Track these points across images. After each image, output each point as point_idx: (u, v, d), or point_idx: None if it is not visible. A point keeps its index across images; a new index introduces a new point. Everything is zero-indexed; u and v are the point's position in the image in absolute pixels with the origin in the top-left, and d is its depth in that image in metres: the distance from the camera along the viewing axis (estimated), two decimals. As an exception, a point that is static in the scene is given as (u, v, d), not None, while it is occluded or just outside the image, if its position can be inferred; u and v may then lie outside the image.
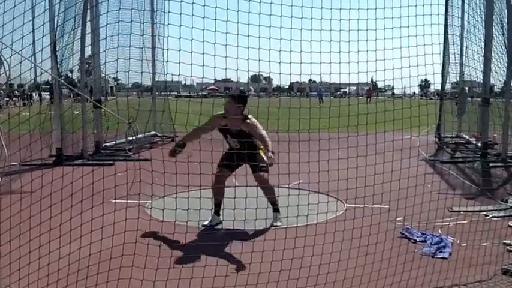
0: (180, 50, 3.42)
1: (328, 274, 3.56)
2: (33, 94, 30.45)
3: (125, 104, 5.01)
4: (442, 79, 12.01)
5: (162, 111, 12.21)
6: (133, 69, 6.04)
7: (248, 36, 3.77)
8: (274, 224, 5.17)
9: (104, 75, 11.26)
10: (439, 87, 12.41)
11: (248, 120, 5.11)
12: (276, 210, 5.26)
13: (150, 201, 5.26)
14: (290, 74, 4.02)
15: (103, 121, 10.15)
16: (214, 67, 3.66)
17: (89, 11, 9.12)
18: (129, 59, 4.89)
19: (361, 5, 4.08)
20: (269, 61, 3.88)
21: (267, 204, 5.12)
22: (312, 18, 3.89)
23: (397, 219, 4.78)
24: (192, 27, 3.55)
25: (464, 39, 11.50)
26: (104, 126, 10.24)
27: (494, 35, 9.41)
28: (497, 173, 8.43)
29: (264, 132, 5.02)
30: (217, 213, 5.30)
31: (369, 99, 26.40)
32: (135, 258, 3.46)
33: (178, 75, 3.61)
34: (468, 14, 11.06)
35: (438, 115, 11.47)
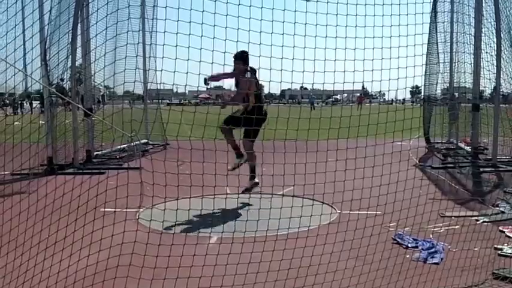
0: (176, 59, 3.43)
1: (322, 282, 3.57)
2: (24, 103, 30.29)
3: (118, 112, 5.01)
4: (427, 87, 12.13)
5: (154, 121, 12.17)
6: (125, 79, 6.02)
7: (237, 41, 3.78)
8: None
9: (95, 83, 11.22)
10: (428, 92, 12.54)
11: (246, 75, 6.53)
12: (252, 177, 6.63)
13: (144, 211, 5.24)
14: (281, 82, 4.04)
15: (99, 130, 10.10)
16: (199, 74, 3.66)
17: (80, 17, 9.10)
18: (125, 70, 4.86)
19: (349, 11, 4.13)
20: (259, 68, 3.91)
21: (258, 216, 5.16)
22: (305, 24, 3.92)
23: (390, 225, 4.80)
24: (177, 33, 3.52)
25: (454, 45, 11.63)
26: (99, 136, 10.18)
27: (483, 41, 9.54)
28: (488, 178, 8.50)
29: (247, 89, 6.37)
30: (239, 155, 6.60)
31: (360, 106, 26.51)
32: (130, 269, 3.44)
33: (173, 84, 3.61)
34: (457, 20, 11.20)
35: (423, 120, 11.60)
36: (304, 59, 4.00)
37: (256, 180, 6.68)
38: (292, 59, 3.97)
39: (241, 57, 6.43)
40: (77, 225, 3.51)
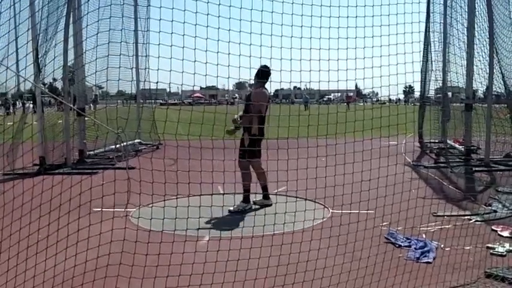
0: (171, 58, 3.41)
1: (312, 279, 3.56)
2: (17, 102, 30.12)
3: (111, 112, 4.98)
4: (423, 84, 12.18)
5: (149, 120, 12.15)
6: (117, 78, 5.97)
7: (229, 42, 3.77)
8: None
9: (88, 84, 11.17)
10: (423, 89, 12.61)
11: (260, 89, 6.07)
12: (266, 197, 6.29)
13: (136, 210, 5.21)
14: (280, 82, 4.05)
15: (92, 130, 10.07)
16: (197, 73, 3.65)
17: (72, 14, 9.05)
18: (119, 67, 4.83)
19: (341, 14, 4.13)
20: (249, 68, 3.90)
21: (254, 212, 5.17)
22: (301, 26, 3.93)
23: (382, 224, 4.81)
24: (172, 33, 3.52)
25: (447, 44, 11.67)
26: (93, 136, 10.15)
27: (476, 40, 9.60)
28: (481, 177, 8.54)
29: (259, 108, 5.93)
30: (246, 200, 6.08)
31: (348, 106, 26.78)
32: (120, 268, 3.42)
33: (169, 83, 3.60)
34: (451, 18, 11.24)
35: (418, 120, 11.66)
36: (300, 59, 4.01)
37: (271, 202, 6.26)
38: (290, 60, 3.98)
39: (267, 74, 6.00)
40: (64, 223, 3.47)
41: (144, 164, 3.81)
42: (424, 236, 4.83)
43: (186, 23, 3.60)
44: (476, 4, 9.45)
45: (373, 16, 4.23)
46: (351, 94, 37.50)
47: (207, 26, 3.70)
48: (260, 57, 3.87)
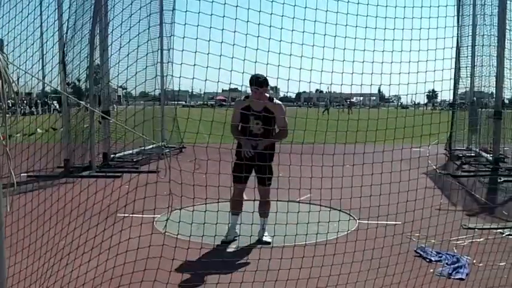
0: (194, 65, 3.37)
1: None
2: (41, 103, 30.61)
3: (131, 113, 4.98)
4: (454, 89, 11.88)
5: (172, 128, 12.11)
6: (142, 80, 5.91)
7: (244, 47, 3.70)
8: (264, 239, 5.04)
9: (112, 84, 11.21)
10: (447, 97, 12.34)
11: (275, 100, 5.04)
12: (265, 215, 5.12)
13: (163, 216, 5.16)
14: (300, 81, 3.93)
15: (117, 133, 10.08)
16: (221, 81, 3.60)
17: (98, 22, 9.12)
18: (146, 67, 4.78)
19: (370, 12, 4.02)
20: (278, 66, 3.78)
21: (275, 219, 5.07)
22: (325, 35, 3.85)
23: (412, 236, 4.67)
24: (197, 38, 3.48)
25: (476, 48, 11.38)
26: (121, 138, 10.15)
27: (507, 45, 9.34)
28: (509, 187, 8.28)
29: (286, 120, 5.00)
30: (233, 227, 5.13)
31: (350, 111, 26.80)
32: (145, 274, 3.38)
33: (192, 88, 3.56)
34: (480, 23, 10.99)
35: (450, 126, 11.37)
36: (323, 59, 3.91)
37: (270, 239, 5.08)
38: (312, 58, 3.89)
39: (267, 81, 4.87)
40: (91, 230, 3.46)
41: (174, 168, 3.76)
42: (455, 250, 4.67)
43: (213, 28, 3.54)
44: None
45: (403, 18, 4.11)
46: (353, 99, 36.83)
47: (235, 32, 3.65)
48: (277, 65, 3.74)
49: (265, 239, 5.06)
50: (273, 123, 4.96)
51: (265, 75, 4.82)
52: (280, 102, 5.05)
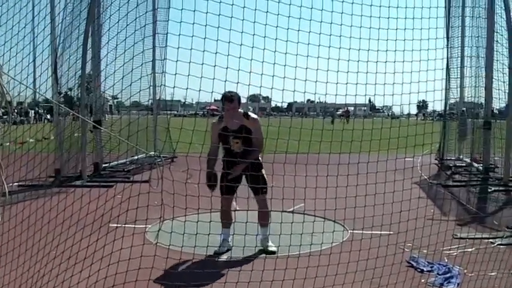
0: (189, 75, 3.39)
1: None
2: (32, 112, 30.42)
3: (124, 123, 4.98)
4: (445, 99, 12.00)
5: (165, 139, 12.08)
6: (136, 90, 5.94)
7: (235, 57, 3.75)
8: (269, 248, 5.00)
9: (103, 93, 11.18)
10: (437, 107, 12.47)
11: (251, 115, 5.01)
12: (265, 224, 5.13)
13: (154, 226, 5.14)
14: (294, 91, 3.97)
15: (108, 143, 10.03)
16: (215, 91, 3.63)
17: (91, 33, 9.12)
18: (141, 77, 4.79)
19: (363, 23, 4.09)
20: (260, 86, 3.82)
21: (268, 230, 5.06)
22: (319, 45, 3.89)
23: (403, 246, 4.69)
24: (191, 48, 3.52)
25: (465, 59, 11.53)
26: (114, 149, 10.09)
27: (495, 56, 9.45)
28: (499, 197, 8.34)
29: (262, 134, 4.99)
30: (226, 239, 5.07)
31: (347, 120, 27.02)
32: (136, 285, 3.36)
33: (185, 98, 3.58)
34: (469, 34, 11.13)
35: (441, 136, 11.45)
36: (317, 69, 3.96)
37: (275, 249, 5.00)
38: (306, 68, 3.93)
39: (238, 97, 4.90)
40: (83, 240, 3.44)
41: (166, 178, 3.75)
42: (446, 260, 4.69)
43: (207, 38, 3.58)
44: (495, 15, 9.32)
45: (396, 29, 4.19)
46: (348, 108, 36.91)
47: (229, 42, 3.69)
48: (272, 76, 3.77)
49: (270, 248, 5.02)
50: (253, 139, 4.94)
51: (239, 94, 4.88)
52: (255, 116, 5.05)
